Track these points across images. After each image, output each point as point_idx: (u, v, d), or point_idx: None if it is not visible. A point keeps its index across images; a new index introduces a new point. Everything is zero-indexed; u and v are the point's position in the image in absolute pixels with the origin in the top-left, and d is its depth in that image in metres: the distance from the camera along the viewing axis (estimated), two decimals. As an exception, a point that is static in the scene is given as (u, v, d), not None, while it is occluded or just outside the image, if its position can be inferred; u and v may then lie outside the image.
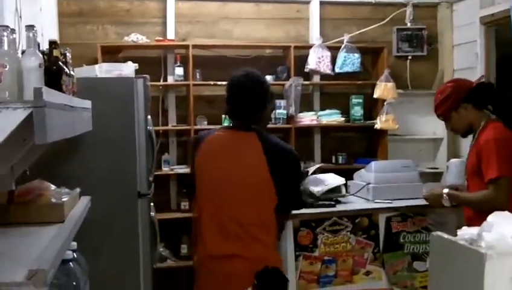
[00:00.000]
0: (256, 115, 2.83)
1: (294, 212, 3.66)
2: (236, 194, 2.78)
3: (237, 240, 2.76)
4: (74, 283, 1.97)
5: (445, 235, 1.84)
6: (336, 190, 3.96)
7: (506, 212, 1.73)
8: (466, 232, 1.73)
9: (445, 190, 3.25)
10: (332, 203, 3.88)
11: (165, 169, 5.34)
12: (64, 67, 2.22)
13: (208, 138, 2.89)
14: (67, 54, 2.41)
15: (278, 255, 2.97)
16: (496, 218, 1.67)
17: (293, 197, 2.92)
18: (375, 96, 5.59)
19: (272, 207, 2.80)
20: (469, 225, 2.36)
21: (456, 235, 1.78)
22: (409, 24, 5.91)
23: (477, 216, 2.79)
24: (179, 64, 5.42)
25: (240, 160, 2.79)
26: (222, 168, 2.79)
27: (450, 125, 3.29)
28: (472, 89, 3.18)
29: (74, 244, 2.07)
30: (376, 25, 5.78)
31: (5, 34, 1.75)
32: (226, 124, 4.41)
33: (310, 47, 5.59)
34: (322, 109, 5.79)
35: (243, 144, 2.82)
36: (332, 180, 4.01)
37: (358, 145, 6.00)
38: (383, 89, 5.53)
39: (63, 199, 2.21)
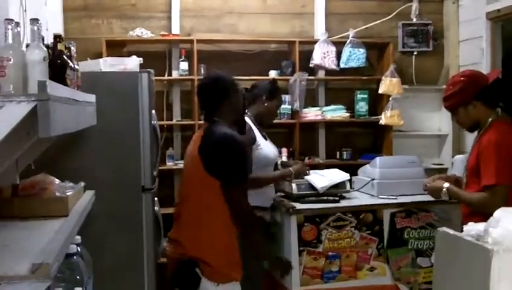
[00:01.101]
0: (211, 108, 3.08)
1: (299, 207, 3.68)
2: (182, 182, 3.18)
3: (177, 227, 3.07)
4: (78, 277, 1.98)
5: (451, 231, 1.83)
6: (340, 185, 3.95)
7: (513, 208, 1.72)
8: (472, 228, 1.72)
9: (446, 185, 3.23)
10: (337, 198, 3.87)
11: (169, 164, 5.34)
12: (69, 61, 2.22)
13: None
14: (72, 48, 2.41)
15: (212, 244, 2.96)
16: (502, 213, 1.66)
17: (229, 174, 2.94)
18: (380, 91, 5.57)
19: (210, 193, 2.91)
20: (465, 222, 2.35)
21: (461, 231, 1.78)
22: (414, 19, 5.89)
23: (474, 216, 2.78)
24: (183, 58, 5.42)
25: (189, 150, 3.11)
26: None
27: (455, 118, 3.24)
28: (486, 87, 3.09)
29: (78, 238, 2.07)
30: (381, 20, 5.76)
31: (10, 27, 1.75)
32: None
33: (315, 42, 5.57)
34: (327, 105, 5.78)
35: (195, 139, 3.08)
36: (337, 176, 4.00)
37: (363, 140, 5.98)
38: (388, 84, 5.51)
39: (67, 193, 2.21)
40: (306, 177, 3.90)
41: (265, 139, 3.82)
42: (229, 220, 2.95)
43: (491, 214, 1.77)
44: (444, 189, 3.20)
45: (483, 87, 3.08)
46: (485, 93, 3.06)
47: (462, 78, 3.20)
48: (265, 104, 3.82)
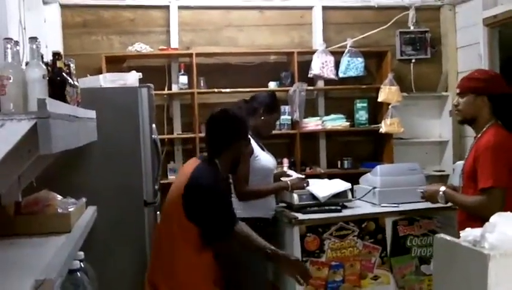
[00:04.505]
0: (216, 150, 2.96)
1: (301, 217, 3.68)
2: (163, 217, 2.99)
3: (153, 263, 2.97)
4: (82, 293, 1.98)
5: (448, 237, 1.84)
6: (341, 194, 3.96)
7: (509, 213, 1.72)
8: (469, 234, 1.73)
9: (442, 188, 3.22)
10: (339, 208, 3.87)
11: (171, 177, 5.34)
12: (68, 78, 2.24)
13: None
14: (71, 65, 2.43)
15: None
16: (498, 218, 1.67)
17: (210, 228, 2.83)
18: (379, 100, 5.59)
19: (186, 232, 2.79)
20: (460, 229, 2.34)
21: (459, 237, 1.78)
22: (412, 27, 5.92)
23: (469, 221, 2.77)
24: (183, 72, 5.45)
25: (174, 185, 2.95)
26: (168, 193, 2.98)
27: (458, 102, 3.20)
28: (502, 94, 3.07)
29: (81, 254, 2.08)
30: (379, 29, 5.79)
31: (9, 46, 1.77)
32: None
33: (314, 52, 5.59)
34: (327, 114, 5.80)
35: (184, 172, 2.93)
36: (338, 185, 4.01)
37: (363, 149, 5.99)
38: (388, 92, 5.53)
39: (70, 209, 2.23)
40: (307, 187, 3.91)
41: (263, 150, 3.84)
42: (203, 256, 2.85)
43: (487, 219, 1.77)
44: (441, 192, 3.20)
45: (500, 93, 3.08)
46: (498, 99, 3.06)
47: (490, 72, 3.30)
48: (263, 118, 3.83)
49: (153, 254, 3.05)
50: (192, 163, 2.96)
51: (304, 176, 4.06)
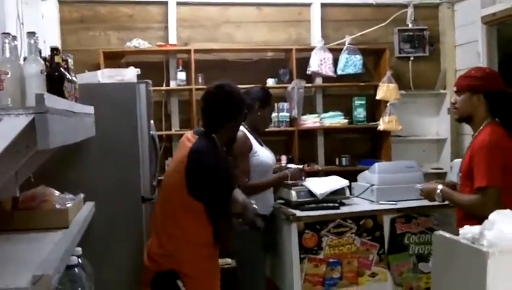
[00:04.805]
0: (214, 125, 3.00)
1: (299, 214, 3.68)
2: (163, 193, 3.05)
3: (154, 236, 3.04)
4: (79, 289, 1.98)
5: (447, 235, 1.84)
6: (339, 192, 3.96)
7: (508, 211, 1.72)
8: (468, 231, 1.73)
9: (440, 186, 3.23)
10: (337, 205, 3.88)
11: (169, 173, 5.34)
12: (66, 73, 2.22)
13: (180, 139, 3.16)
14: (69, 60, 2.42)
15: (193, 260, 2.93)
16: (497, 216, 1.67)
17: (212, 206, 2.87)
18: (377, 97, 5.59)
19: (189, 208, 2.85)
20: (459, 226, 2.34)
21: (458, 234, 1.78)
22: (410, 25, 5.92)
23: (468, 218, 2.78)
24: (181, 68, 5.44)
25: (172, 163, 3.05)
26: (167, 169, 3.12)
27: (455, 100, 3.19)
28: (499, 92, 3.08)
29: (79, 249, 2.08)
30: (377, 26, 5.78)
31: (7, 41, 1.76)
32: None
33: (312, 49, 5.59)
34: (325, 111, 5.79)
35: (183, 147, 2.97)
36: (336, 182, 4.01)
37: (361, 146, 5.99)
38: (386, 90, 5.53)
39: (67, 205, 2.22)
40: (305, 184, 3.92)
41: (261, 145, 3.84)
42: (209, 231, 2.89)
43: (485, 218, 1.77)
44: (438, 190, 3.20)
45: (497, 90, 3.07)
46: (494, 96, 3.06)
47: (487, 70, 3.30)
48: (259, 113, 3.84)
49: (153, 230, 3.09)
50: (191, 138, 2.99)
51: (302, 166, 4.07)
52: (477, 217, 2.33)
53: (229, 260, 3.04)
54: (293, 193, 3.85)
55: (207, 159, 2.87)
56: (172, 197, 2.92)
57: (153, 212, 3.17)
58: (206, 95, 3.06)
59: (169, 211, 2.93)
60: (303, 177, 3.93)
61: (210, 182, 2.82)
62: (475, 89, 3.07)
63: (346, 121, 5.70)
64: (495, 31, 5.24)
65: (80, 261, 2.05)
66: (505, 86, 3.15)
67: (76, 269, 1.99)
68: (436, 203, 3.35)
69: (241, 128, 3.63)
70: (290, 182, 3.86)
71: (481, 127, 3.07)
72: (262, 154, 3.76)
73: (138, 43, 5.35)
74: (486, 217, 1.79)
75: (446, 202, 3.25)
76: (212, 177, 2.84)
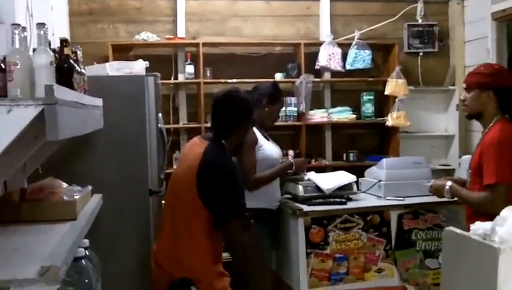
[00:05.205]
0: (224, 132, 3.01)
1: (306, 209, 3.67)
2: (171, 199, 3.01)
3: (161, 241, 3.02)
4: (86, 280, 1.98)
5: (458, 231, 1.83)
6: (347, 187, 3.95)
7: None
8: (479, 227, 1.72)
9: (449, 183, 3.21)
10: (344, 200, 3.87)
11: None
12: (75, 65, 2.22)
13: (186, 144, 3.19)
14: (78, 52, 2.42)
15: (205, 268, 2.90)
16: (509, 212, 1.66)
17: (222, 209, 2.85)
18: (386, 93, 5.56)
19: (198, 214, 2.83)
20: (469, 222, 2.33)
21: (468, 230, 1.77)
22: (420, 20, 5.87)
23: (477, 216, 2.76)
24: (189, 62, 5.43)
25: (181, 168, 3.00)
26: (174, 173, 3.09)
27: (465, 97, 3.17)
28: (509, 88, 3.05)
29: (86, 241, 2.08)
30: (387, 22, 5.75)
31: (17, 32, 1.75)
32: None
33: (321, 44, 5.57)
34: (333, 106, 5.78)
35: (193, 152, 2.96)
36: (343, 177, 4.00)
37: (369, 142, 5.98)
38: (394, 85, 5.51)
39: (75, 197, 2.22)
40: (312, 178, 3.91)
41: (268, 140, 3.83)
42: (214, 231, 2.88)
43: (495, 215, 1.76)
44: (447, 187, 3.19)
45: (507, 87, 3.05)
46: (504, 93, 3.03)
47: (496, 66, 3.28)
48: (266, 109, 3.82)
49: (161, 233, 3.06)
50: (200, 144, 2.99)
51: (307, 159, 4.08)
52: (486, 214, 2.32)
53: (224, 254, 3.03)
54: (300, 187, 3.84)
55: (220, 165, 2.89)
56: (182, 201, 2.89)
57: (161, 218, 3.15)
58: (215, 102, 3.08)
59: (178, 215, 2.91)
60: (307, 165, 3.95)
61: (222, 188, 2.83)
62: (484, 86, 3.05)
63: (354, 116, 5.69)
64: (505, 28, 5.21)
65: (87, 253, 2.06)
66: None
67: (83, 260, 1.99)
68: (444, 199, 3.34)
69: None
70: (293, 172, 3.85)
71: (491, 124, 3.05)
72: (268, 148, 3.75)
73: (147, 36, 5.35)
74: (495, 215, 1.78)
75: (455, 199, 3.23)
76: (225, 182, 2.85)
